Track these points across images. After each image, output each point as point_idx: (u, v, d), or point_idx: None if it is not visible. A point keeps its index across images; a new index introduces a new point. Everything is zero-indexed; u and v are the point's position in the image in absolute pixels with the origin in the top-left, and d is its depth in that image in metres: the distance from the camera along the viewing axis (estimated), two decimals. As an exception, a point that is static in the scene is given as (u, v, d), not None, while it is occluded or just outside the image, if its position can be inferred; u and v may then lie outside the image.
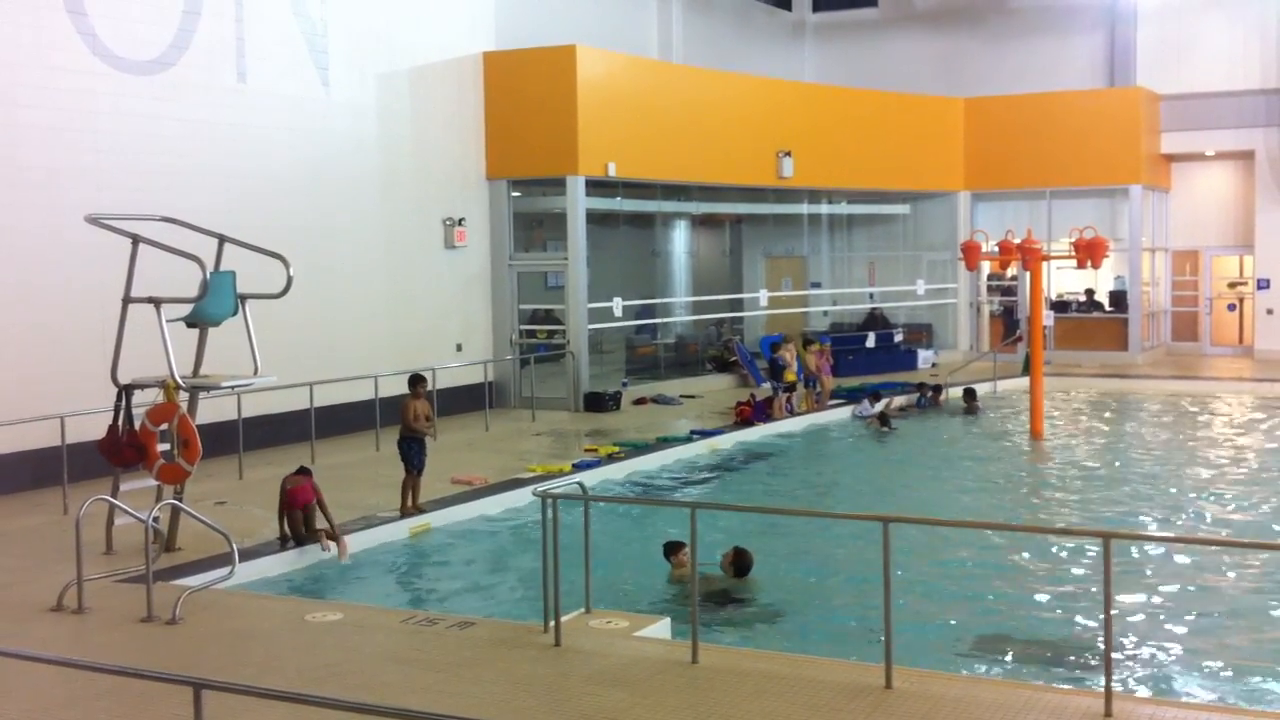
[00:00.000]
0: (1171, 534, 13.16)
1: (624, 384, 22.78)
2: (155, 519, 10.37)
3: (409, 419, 13.28)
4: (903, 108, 27.99)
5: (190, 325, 11.82)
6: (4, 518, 13.20)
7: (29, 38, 14.89)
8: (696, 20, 28.87)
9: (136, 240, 11.55)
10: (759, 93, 25.41)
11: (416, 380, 13.57)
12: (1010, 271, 28.17)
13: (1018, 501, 15.35)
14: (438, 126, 21.07)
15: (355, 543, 12.28)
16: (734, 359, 25.25)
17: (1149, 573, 11.59)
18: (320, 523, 11.98)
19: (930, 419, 21.57)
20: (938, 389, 22.83)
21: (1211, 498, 15.04)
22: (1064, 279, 28.60)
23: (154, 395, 11.44)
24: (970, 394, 22.43)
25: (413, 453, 13.22)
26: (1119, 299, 28.40)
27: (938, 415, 21.87)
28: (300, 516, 11.82)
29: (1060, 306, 28.58)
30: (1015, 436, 19.85)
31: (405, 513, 13.15)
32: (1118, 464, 17.39)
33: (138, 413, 11.44)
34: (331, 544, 11.84)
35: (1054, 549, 12.40)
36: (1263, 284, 28.52)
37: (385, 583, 11.64)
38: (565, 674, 7.90)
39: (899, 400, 22.31)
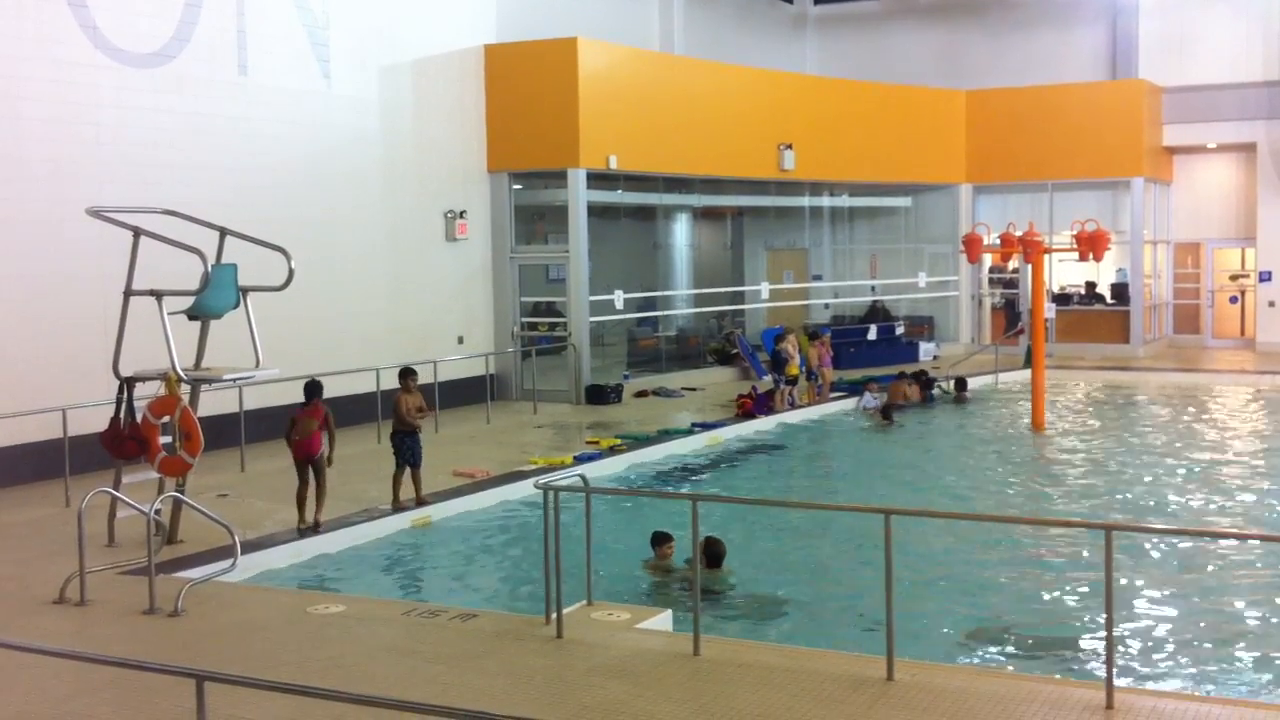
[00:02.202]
0: (1173, 526, 13.17)
1: (625, 377, 22.78)
2: (157, 511, 10.40)
3: (401, 413, 13.21)
4: (904, 100, 27.98)
5: (192, 318, 11.82)
6: (6, 510, 13.22)
7: (31, 31, 14.88)
8: (698, 12, 28.82)
9: (138, 233, 11.55)
10: (760, 85, 25.38)
11: (406, 373, 13.40)
12: (1012, 264, 28.35)
13: (1019, 494, 15.35)
14: (439, 119, 21.06)
15: (357, 535, 12.35)
16: (735, 351, 25.26)
17: (1150, 564, 11.60)
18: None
19: (932, 412, 21.56)
20: (919, 375, 22.79)
21: (1213, 489, 15.03)
22: (1065, 271, 28.64)
23: (156, 388, 11.44)
24: (960, 383, 22.45)
25: (405, 447, 13.12)
26: (1120, 291, 28.38)
27: (939, 408, 21.86)
28: (309, 474, 12.03)
29: (1062, 299, 28.56)
30: (1016, 429, 19.86)
31: (397, 506, 13.08)
32: (1119, 456, 17.39)
33: (139, 405, 11.44)
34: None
35: (1055, 541, 12.40)
36: (1264, 276, 28.49)
37: (387, 575, 11.66)
38: (567, 666, 7.91)
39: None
